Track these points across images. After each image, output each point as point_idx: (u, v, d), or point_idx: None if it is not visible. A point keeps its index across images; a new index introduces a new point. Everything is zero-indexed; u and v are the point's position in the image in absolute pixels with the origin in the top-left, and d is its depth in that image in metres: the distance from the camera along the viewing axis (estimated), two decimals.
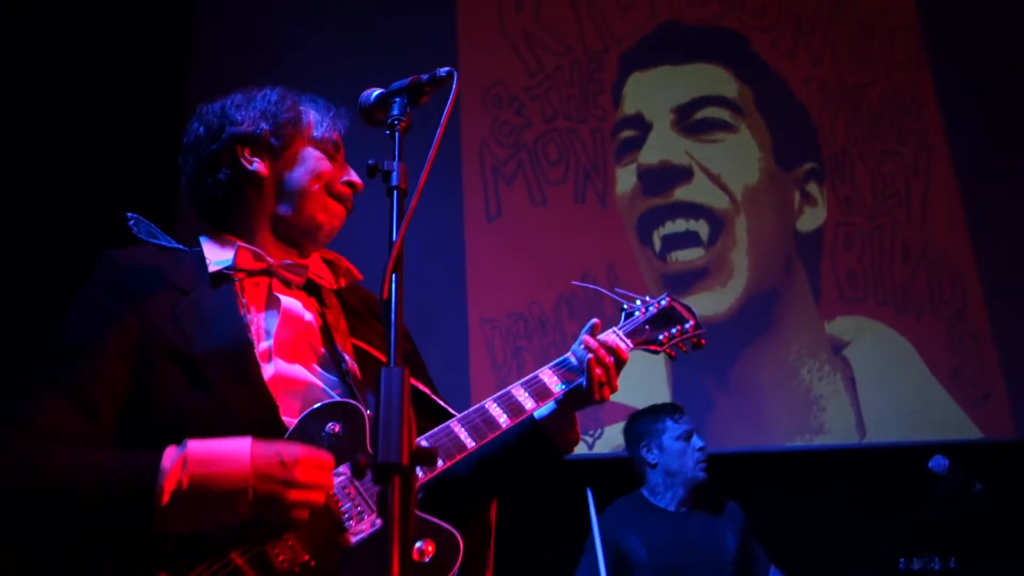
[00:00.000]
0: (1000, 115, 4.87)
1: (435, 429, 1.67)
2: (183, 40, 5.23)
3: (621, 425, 4.34)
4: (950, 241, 4.72)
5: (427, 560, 1.51)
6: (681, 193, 4.85)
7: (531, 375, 1.83)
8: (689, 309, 2.13)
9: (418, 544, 1.51)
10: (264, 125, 1.81)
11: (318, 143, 1.84)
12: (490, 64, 5.16)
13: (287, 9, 5.30)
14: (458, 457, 1.64)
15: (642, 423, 3.68)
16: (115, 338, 1.55)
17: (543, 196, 4.92)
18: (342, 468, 1.55)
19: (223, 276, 1.69)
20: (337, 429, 1.55)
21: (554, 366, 1.86)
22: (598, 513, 3.56)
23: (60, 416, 1.46)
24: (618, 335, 1.95)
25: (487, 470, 1.78)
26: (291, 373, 1.64)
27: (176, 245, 1.78)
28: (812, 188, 4.88)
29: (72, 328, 1.57)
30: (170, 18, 5.18)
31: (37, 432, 1.44)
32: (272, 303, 1.71)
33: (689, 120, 4.98)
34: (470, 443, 1.66)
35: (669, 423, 3.59)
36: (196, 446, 1.42)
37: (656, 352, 2.03)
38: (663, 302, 2.09)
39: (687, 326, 2.08)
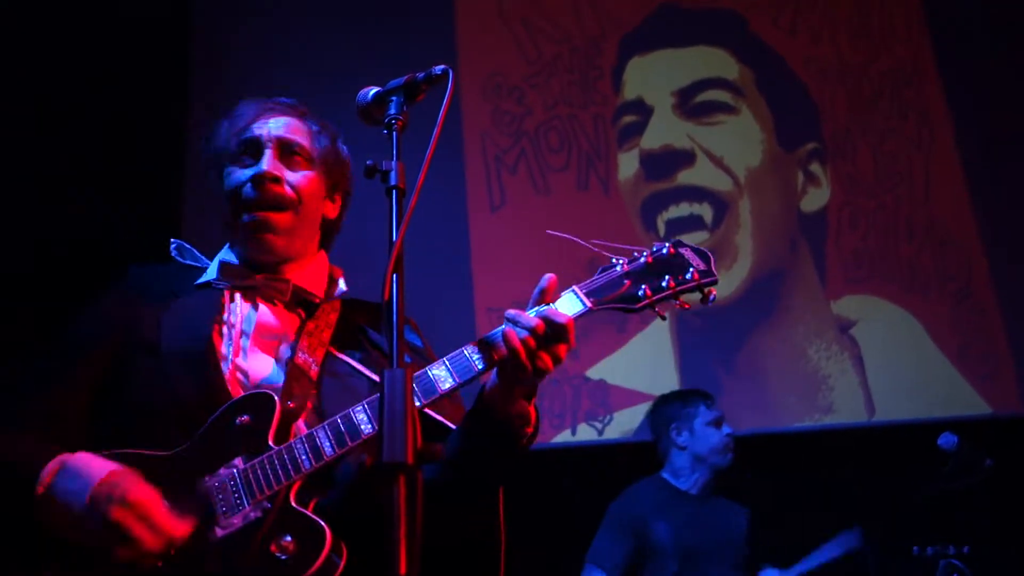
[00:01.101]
0: (1002, 87, 4.84)
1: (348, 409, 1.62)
2: (184, 30, 5.23)
3: (630, 411, 4.36)
4: (954, 217, 4.71)
5: (283, 557, 1.50)
6: (684, 177, 4.84)
7: (456, 351, 1.65)
8: (701, 253, 1.74)
9: (281, 540, 1.52)
10: (207, 153, 1.91)
11: (232, 157, 1.85)
12: (489, 53, 5.15)
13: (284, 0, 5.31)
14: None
15: (673, 406, 3.70)
16: (102, 335, 1.75)
17: (546, 184, 4.92)
18: (236, 460, 1.59)
19: (210, 285, 1.82)
20: (246, 420, 1.62)
21: (478, 341, 1.64)
22: (615, 497, 3.59)
23: (27, 398, 1.70)
24: (564, 297, 1.70)
25: (453, 469, 1.65)
26: (252, 371, 1.73)
27: (203, 263, 1.90)
28: (815, 168, 4.86)
29: (70, 327, 1.80)
30: (172, 15, 5.18)
31: (4, 413, 1.68)
32: (253, 315, 1.80)
33: (690, 103, 4.97)
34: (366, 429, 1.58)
35: (702, 408, 3.64)
36: (79, 459, 1.57)
37: (634, 311, 1.70)
38: (663, 250, 1.73)
39: (688, 273, 1.70)
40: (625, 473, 3.76)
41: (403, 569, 1.09)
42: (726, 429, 3.61)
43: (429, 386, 1.59)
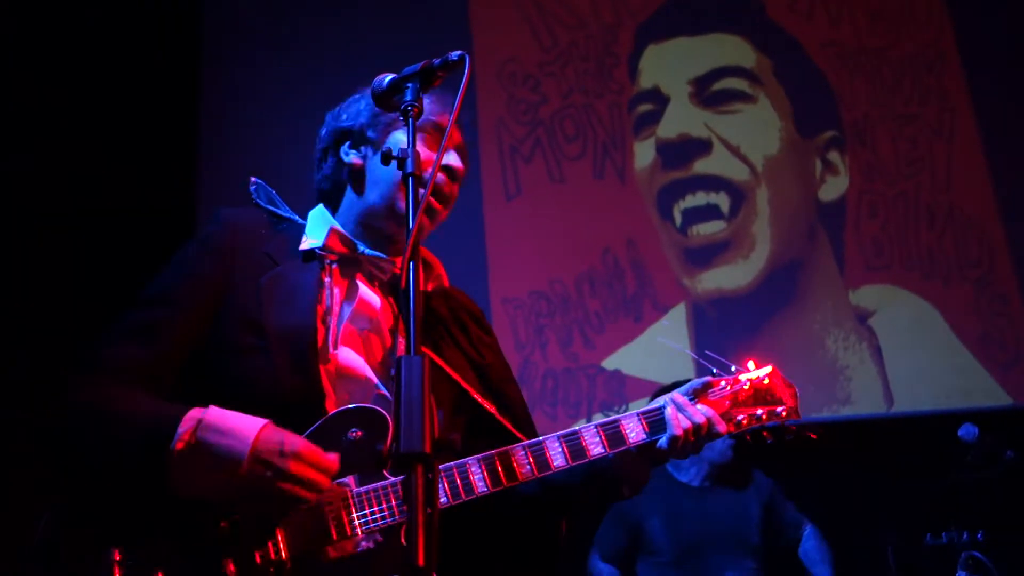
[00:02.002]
0: (1023, 72, 4.78)
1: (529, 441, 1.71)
2: (196, 30, 5.22)
3: (645, 401, 4.33)
4: (975, 203, 4.65)
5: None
6: (700, 166, 4.80)
7: (614, 418, 1.78)
8: (790, 387, 1.90)
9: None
10: (362, 119, 1.87)
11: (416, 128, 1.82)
12: (504, 41, 5.12)
13: None
14: (539, 474, 1.69)
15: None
16: (198, 293, 1.69)
17: (561, 173, 4.90)
18: (348, 479, 1.59)
19: (314, 255, 1.78)
20: (359, 435, 1.59)
21: (644, 413, 1.79)
22: None
23: (130, 357, 1.63)
24: (694, 405, 1.82)
25: (554, 494, 1.79)
26: (351, 364, 1.71)
27: (290, 214, 1.87)
28: (834, 156, 4.81)
29: (164, 280, 1.73)
30: (182, 10, 5.18)
31: (107, 371, 1.61)
32: (351, 293, 1.78)
33: (707, 92, 4.92)
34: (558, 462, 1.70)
35: None
36: (214, 414, 1.52)
37: (730, 434, 1.84)
38: (762, 376, 1.89)
39: (779, 410, 1.86)
40: None
41: (421, 561, 1.08)
42: None
43: (580, 452, 1.72)
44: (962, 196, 4.66)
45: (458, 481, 1.63)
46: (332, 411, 1.62)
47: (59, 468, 1.57)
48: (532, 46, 5.09)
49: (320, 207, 1.89)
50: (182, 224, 4.63)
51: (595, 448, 1.72)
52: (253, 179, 1.88)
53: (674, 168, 4.83)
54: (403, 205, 1.64)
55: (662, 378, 3.84)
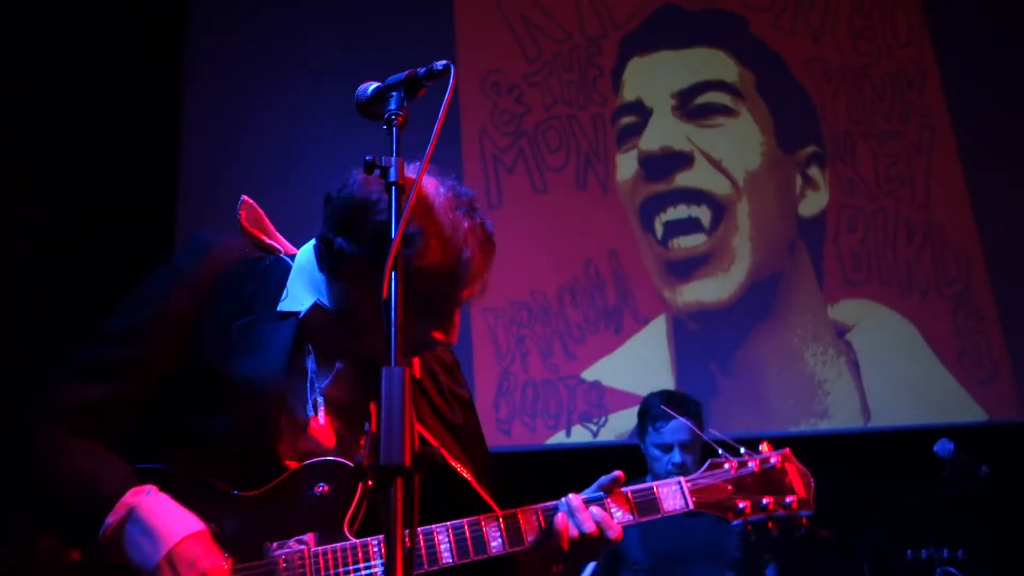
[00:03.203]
0: (1004, 91, 4.84)
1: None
2: (179, 38, 5.19)
3: (624, 412, 4.34)
4: (954, 220, 4.70)
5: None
6: (682, 179, 4.82)
7: (513, 512, 1.65)
8: (804, 475, 1.75)
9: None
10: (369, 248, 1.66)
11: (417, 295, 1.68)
12: (488, 50, 5.12)
13: None
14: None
15: (640, 415, 3.62)
16: (168, 332, 1.61)
17: (544, 183, 4.90)
18: (308, 536, 1.56)
19: (295, 316, 1.66)
20: (325, 490, 1.57)
21: (544, 509, 1.64)
22: None
23: (90, 397, 1.57)
24: (646, 493, 1.68)
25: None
26: (318, 433, 1.65)
27: (275, 245, 1.78)
28: (814, 172, 4.85)
29: (133, 313, 1.63)
30: (166, 13, 5.14)
31: (64, 412, 1.56)
32: (328, 365, 1.69)
33: (690, 105, 4.95)
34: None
35: (651, 430, 3.49)
36: (149, 504, 1.50)
37: (724, 521, 1.70)
38: (771, 461, 1.73)
39: (787, 500, 1.71)
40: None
41: (398, 573, 1.07)
42: (676, 457, 3.39)
43: (480, 544, 1.59)
44: (941, 213, 4.71)
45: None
46: (293, 467, 1.59)
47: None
48: (516, 56, 5.10)
49: (311, 255, 1.69)
50: (161, 228, 4.60)
51: (495, 543, 1.61)
52: (244, 198, 1.78)
53: (656, 180, 4.84)
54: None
55: (642, 389, 3.84)
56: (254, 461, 1.57)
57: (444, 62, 1.55)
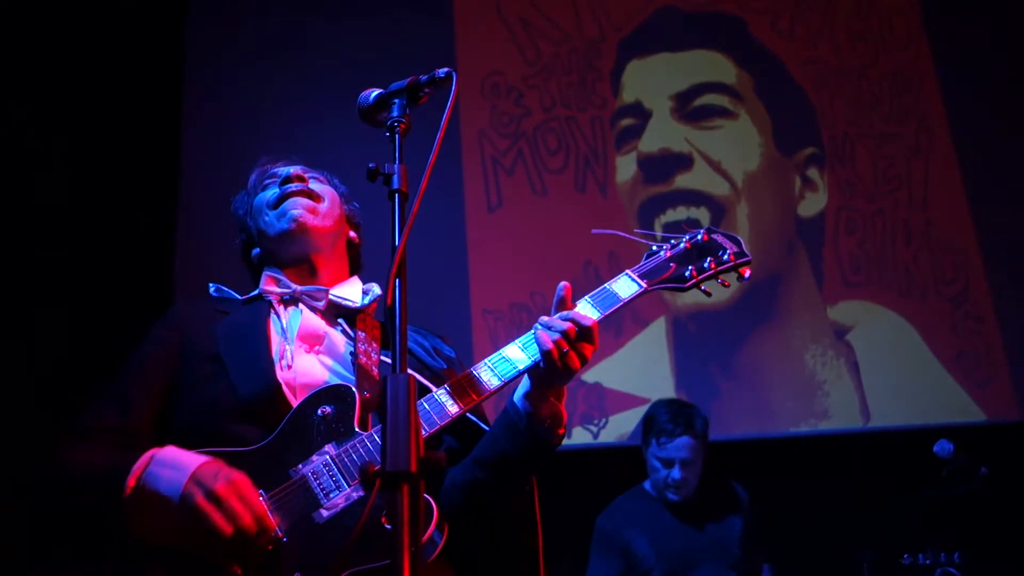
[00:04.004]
0: (1001, 93, 4.85)
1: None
2: (179, 42, 5.19)
3: (625, 414, 4.34)
4: (952, 221, 4.71)
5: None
6: (681, 181, 4.83)
7: (495, 355, 1.77)
8: (732, 238, 1.93)
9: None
10: (237, 215, 2.13)
11: (263, 188, 2.06)
12: (488, 53, 5.13)
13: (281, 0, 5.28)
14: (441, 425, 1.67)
15: (645, 424, 3.63)
16: (157, 353, 1.85)
17: (543, 186, 4.91)
18: (327, 447, 1.64)
19: (257, 298, 1.97)
20: (328, 411, 1.68)
21: (520, 343, 1.76)
22: (600, 512, 3.57)
23: (102, 418, 1.77)
24: (604, 291, 1.82)
25: (490, 471, 1.78)
26: (309, 370, 1.80)
27: (236, 297, 2.02)
28: (813, 173, 4.86)
29: (132, 355, 1.88)
30: (166, 19, 5.15)
31: (82, 432, 1.76)
32: (294, 320, 1.90)
33: (688, 107, 4.96)
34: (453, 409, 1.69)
35: (653, 443, 3.50)
36: (167, 451, 1.61)
37: (684, 289, 1.86)
38: (699, 236, 1.91)
39: (725, 255, 1.88)
40: (620, 477, 3.75)
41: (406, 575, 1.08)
42: (676, 474, 3.44)
43: (479, 386, 1.69)
44: (939, 214, 4.72)
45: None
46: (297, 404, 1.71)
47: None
48: (516, 59, 5.11)
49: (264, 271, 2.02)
50: (161, 228, 4.60)
51: (488, 384, 1.72)
52: (212, 284, 2.04)
53: (655, 182, 4.86)
54: (279, 223, 1.96)
55: (642, 391, 3.86)
56: (260, 413, 1.70)
57: (446, 69, 1.57)
